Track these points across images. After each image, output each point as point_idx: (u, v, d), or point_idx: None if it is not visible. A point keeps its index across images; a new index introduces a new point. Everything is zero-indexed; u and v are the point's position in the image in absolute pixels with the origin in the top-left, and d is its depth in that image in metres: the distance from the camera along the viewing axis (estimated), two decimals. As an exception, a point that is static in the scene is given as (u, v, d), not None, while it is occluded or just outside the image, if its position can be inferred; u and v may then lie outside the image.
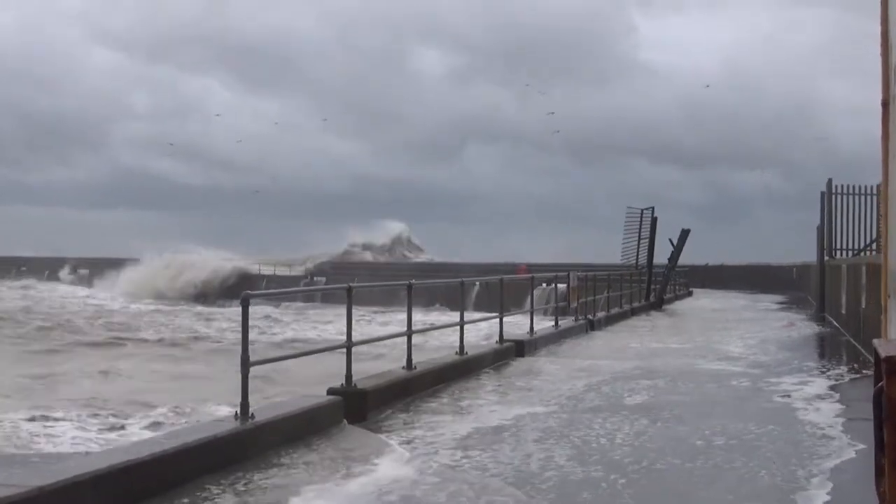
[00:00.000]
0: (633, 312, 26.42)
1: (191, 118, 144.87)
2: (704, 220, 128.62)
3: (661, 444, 7.82)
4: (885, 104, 4.73)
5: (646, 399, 10.40)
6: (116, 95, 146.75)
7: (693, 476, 6.78)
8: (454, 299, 27.37)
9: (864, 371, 12.76)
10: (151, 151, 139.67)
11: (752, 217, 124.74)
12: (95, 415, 14.89)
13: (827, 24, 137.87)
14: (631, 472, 6.80)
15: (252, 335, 7.94)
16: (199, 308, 51.41)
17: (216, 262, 67.01)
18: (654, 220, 31.36)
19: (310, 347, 17.72)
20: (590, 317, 20.55)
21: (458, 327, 12.79)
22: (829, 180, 24.99)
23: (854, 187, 24.08)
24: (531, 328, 16.37)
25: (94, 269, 78.41)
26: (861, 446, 7.62)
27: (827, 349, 17.61)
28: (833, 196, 24.58)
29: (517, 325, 21.01)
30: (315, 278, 62.02)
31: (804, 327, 22.84)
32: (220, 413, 13.00)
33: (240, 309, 7.34)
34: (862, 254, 22.07)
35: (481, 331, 19.30)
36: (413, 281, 11.55)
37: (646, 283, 31.18)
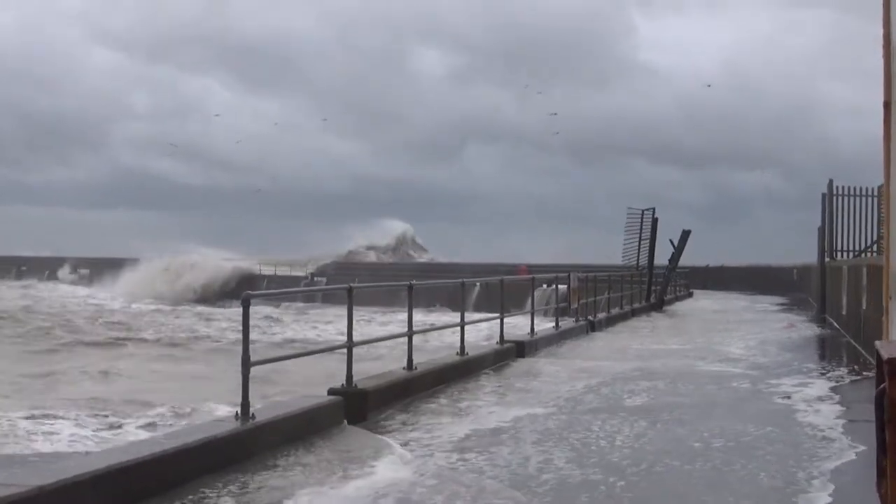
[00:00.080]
0: (634, 313, 26.41)
1: (191, 118, 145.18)
2: (704, 220, 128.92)
3: (660, 446, 7.80)
4: (887, 105, 4.73)
5: (646, 401, 10.39)
6: (116, 95, 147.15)
7: (692, 478, 6.76)
8: (455, 300, 27.38)
9: (864, 373, 12.75)
10: (151, 151, 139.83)
11: (752, 217, 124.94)
12: (95, 414, 14.88)
13: (827, 26, 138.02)
14: (630, 475, 6.78)
15: (252, 335, 7.93)
16: (200, 308, 51.42)
17: (216, 263, 66.85)
18: (654, 221, 31.36)
19: (310, 348, 17.74)
20: (590, 318, 20.54)
21: (458, 328, 12.79)
22: (830, 181, 24.98)
23: (855, 188, 24.06)
24: (532, 329, 16.37)
25: (95, 269, 78.48)
26: (861, 448, 7.61)
27: (827, 351, 17.60)
28: (834, 197, 24.56)
29: (518, 325, 21.02)
30: (316, 278, 62.03)
31: (805, 329, 22.83)
32: (220, 413, 13.00)
33: (240, 309, 7.34)
34: (863, 255, 22.05)
35: (482, 331, 19.29)
36: (414, 282, 11.54)
37: (646, 285, 31.18)
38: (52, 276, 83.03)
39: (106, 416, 14.71)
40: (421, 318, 31.20)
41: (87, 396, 16.95)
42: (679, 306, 33.51)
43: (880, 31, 6.22)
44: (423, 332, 14.65)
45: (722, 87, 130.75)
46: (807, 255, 36.98)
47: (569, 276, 20.22)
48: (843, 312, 20.22)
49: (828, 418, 9.21)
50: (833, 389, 11.42)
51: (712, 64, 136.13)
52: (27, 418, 14.23)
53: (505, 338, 14.48)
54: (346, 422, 8.52)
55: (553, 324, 18.46)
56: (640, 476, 6.77)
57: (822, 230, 26.45)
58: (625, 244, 32.03)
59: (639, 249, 31.52)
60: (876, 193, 22.35)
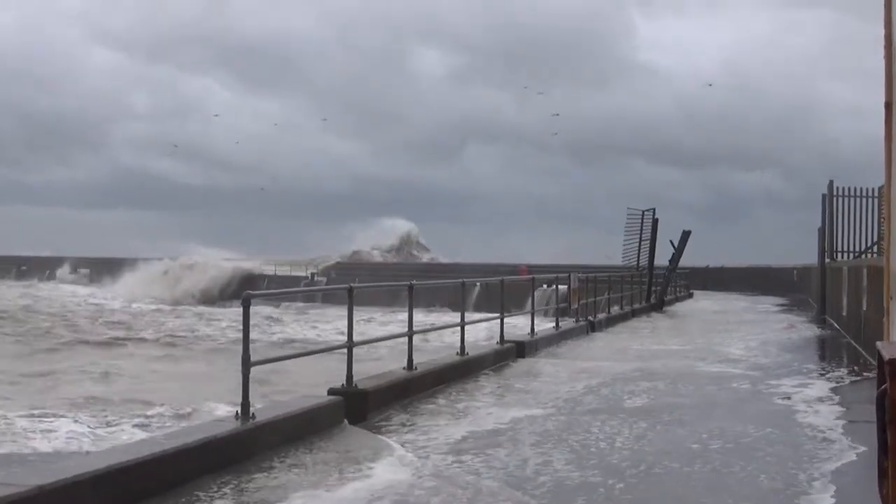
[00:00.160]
0: (634, 314, 26.41)
1: (191, 118, 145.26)
2: (704, 220, 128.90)
3: (660, 448, 7.79)
4: (889, 106, 4.73)
5: (645, 402, 10.38)
6: (116, 95, 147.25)
7: (692, 480, 6.74)
8: (455, 300, 27.35)
9: (864, 373, 12.74)
10: (151, 151, 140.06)
11: (752, 218, 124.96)
12: (93, 414, 14.88)
13: (827, 26, 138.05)
14: (629, 477, 6.76)
15: (253, 335, 7.92)
16: (201, 308, 51.41)
17: (216, 264, 66.70)
18: (654, 222, 31.37)
19: (311, 347, 17.73)
20: (590, 318, 20.54)
21: (458, 328, 12.78)
22: (831, 182, 24.98)
23: (855, 189, 24.06)
24: (532, 329, 16.38)
25: (95, 268, 78.51)
26: (862, 449, 7.60)
27: (828, 352, 17.60)
28: (834, 198, 24.55)
29: (518, 326, 21.02)
30: (316, 278, 62.05)
31: (805, 329, 22.81)
32: (220, 413, 12.99)
33: (240, 309, 7.34)
34: (863, 256, 22.05)
35: (482, 332, 19.29)
36: (414, 282, 11.54)
37: (646, 285, 31.18)
38: (53, 276, 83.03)
39: (105, 416, 14.71)
40: (421, 318, 31.20)
41: (86, 396, 16.94)
42: (679, 307, 33.51)
43: (881, 32, 6.22)
44: (424, 332, 14.65)
45: (722, 87, 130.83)
46: (807, 255, 37.03)
47: (569, 276, 20.23)
48: (844, 313, 20.21)
49: (828, 419, 9.20)
50: (833, 390, 11.41)
51: (712, 64, 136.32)
52: (26, 417, 14.23)
53: (505, 338, 14.48)
54: (346, 422, 8.51)
55: (553, 324, 18.46)
56: (639, 478, 6.75)
57: (822, 231, 26.45)
58: (625, 245, 32.05)
59: (639, 250, 31.53)
60: (876, 194, 22.35)
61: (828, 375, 12.98)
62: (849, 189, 24.21)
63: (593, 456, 7.45)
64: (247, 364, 7.23)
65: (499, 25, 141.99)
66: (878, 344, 3.65)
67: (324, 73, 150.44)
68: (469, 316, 13.80)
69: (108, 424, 13.91)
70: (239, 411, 7.24)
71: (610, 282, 25.64)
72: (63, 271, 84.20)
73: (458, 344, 12.55)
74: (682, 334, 20.48)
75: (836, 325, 22.10)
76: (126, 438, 11.97)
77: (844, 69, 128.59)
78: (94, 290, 67.98)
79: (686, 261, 34.26)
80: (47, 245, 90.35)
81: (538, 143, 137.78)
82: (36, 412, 14.64)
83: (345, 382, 8.93)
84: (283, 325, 37.94)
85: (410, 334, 10.85)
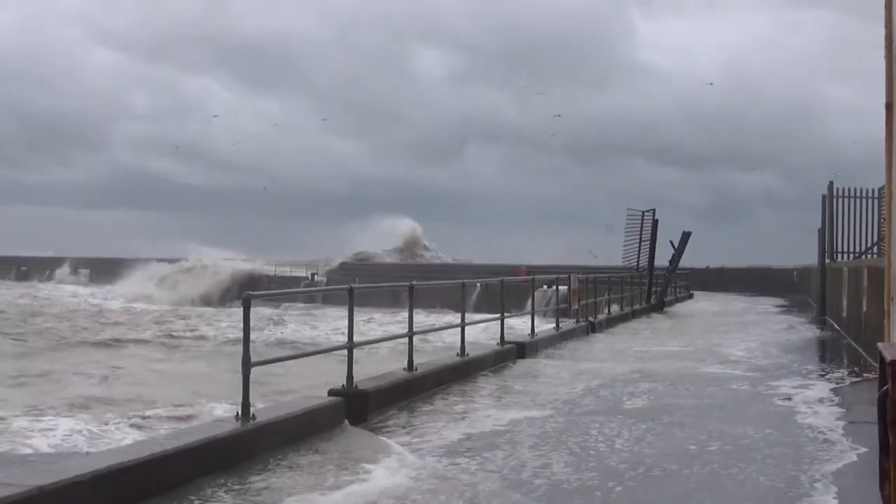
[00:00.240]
0: (634, 315, 26.40)
1: (191, 118, 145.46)
2: (704, 221, 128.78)
3: (659, 449, 7.76)
4: (889, 106, 4.73)
5: (645, 403, 10.37)
6: (116, 95, 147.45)
7: (691, 482, 6.72)
8: (455, 301, 27.34)
9: (865, 374, 12.73)
10: (151, 151, 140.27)
11: (752, 218, 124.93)
12: (93, 414, 14.87)
13: (827, 26, 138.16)
14: (627, 479, 6.73)
15: (253, 335, 7.92)
16: (202, 309, 51.44)
17: (217, 264, 66.66)
18: (654, 223, 31.37)
19: (311, 348, 17.73)
20: (591, 319, 20.54)
21: (459, 329, 12.78)
22: (831, 183, 24.97)
23: (855, 190, 24.04)
24: (532, 330, 16.37)
25: (95, 268, 78.53)
26: (863, 450, 7.59)
27: (828, 353, 17.57)
28: (834, 199, 24.53)
29: (518, 326, 21.02)
30: (316, 278, 62.04)
31: (805, 330, 22.79)
32: (220, 413, 12.99)
33: (240, 309, 7.33)
34: (863, 257, 22.04)
35: (482, 332, 19.28)
36: (414, 282, 11.53)
37: (646, 286, 31.17)
38: (53, 276, 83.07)
39: (105, 416, 14.70)
40: (422, 318, 31.19)
41: (87, 396, 16.94)
42: (679, 308, 33.50)
43: (881, 32, 6.22)
44: (424, 332, 14.64)
45: (722, 87, 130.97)
46: (807, 256, 37.00)
47: (569, 277, 20.23)
48: (844, 314, 20.20)
49: (828, 420, 9.19)
50: (833, 391, 11.40)
51: (712, 64, 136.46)
52: (25, 416, 14.22)
53: (505, 339, 14.47)
54: (346, 422, 8.50)
55: (553, 325, 18.46)
56: (638, 480, 6.73)
57: (822, 231, 26.42)
58: (625, 245, 32.06)
59: (639, 251, 31.52)
60: (876, 195, 22.34)
61: (828, 376, 12.96)
62: (849, 189, 24.20)
63: (592, 458, 7.43)
64: (247, 365, 7.23)
65: (499, 26, 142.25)
66: (880, 345, 3.65)
67: (324, 73, 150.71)
68: (469, 317, 13.79)
69: (110, 425, 13.90)
70: (239, 412, 7.24)
71: (610, 282, 25.64)
72: (63, 272, 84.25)
73: (459, 345, 12.54)
74: (682, 335, 20.46)
75: (836, 326, 22.08)
76: (125, 438, 11.96)
77: (844, 69, 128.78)
78: (95, 290, 68.00)
79: (686, 261, 34.27)
80: (47, 245, 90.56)
81: (538, 143, 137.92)
82: (35, 411, 14.64)
83: (345, 383, 8.92)
84: (283, 325, 37.93)
85: (411, 335, 10.84)
